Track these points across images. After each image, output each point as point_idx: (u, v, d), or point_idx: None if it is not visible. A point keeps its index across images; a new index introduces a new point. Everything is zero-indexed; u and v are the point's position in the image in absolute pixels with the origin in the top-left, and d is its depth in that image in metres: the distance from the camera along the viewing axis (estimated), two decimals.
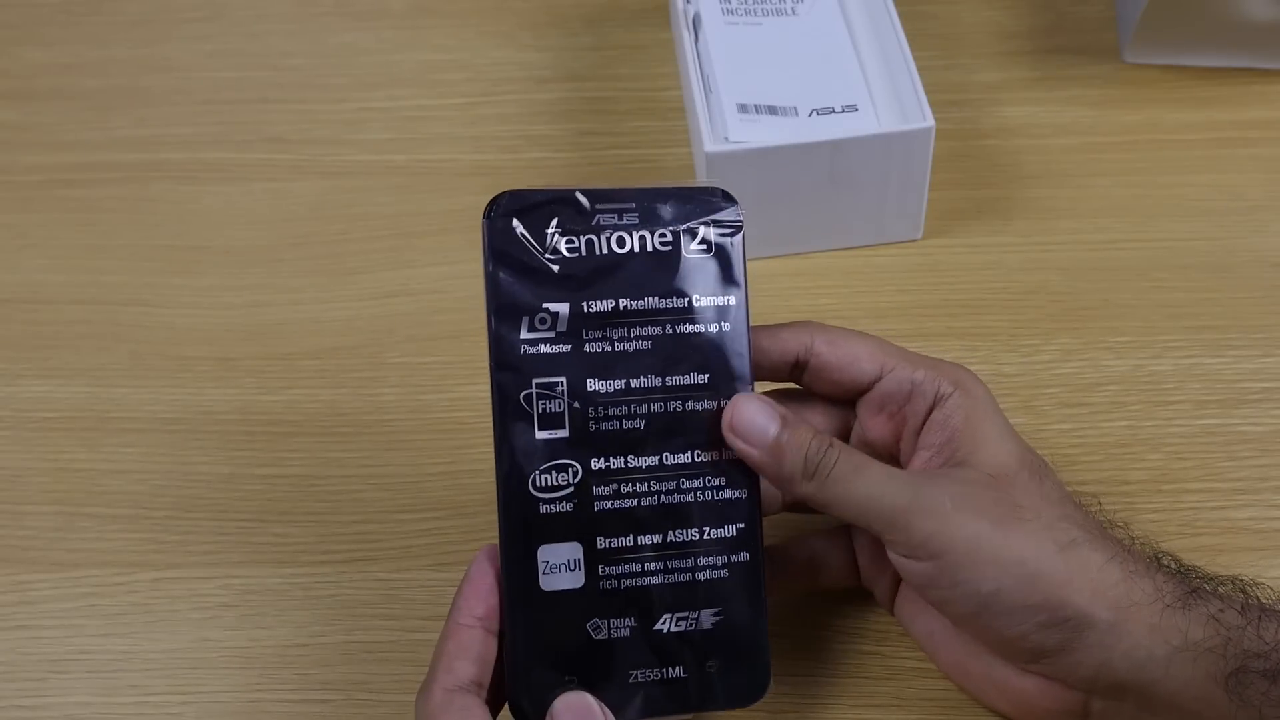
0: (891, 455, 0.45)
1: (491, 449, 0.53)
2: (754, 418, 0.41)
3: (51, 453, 0.55)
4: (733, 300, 0.42)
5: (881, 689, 0.46)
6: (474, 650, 0.39)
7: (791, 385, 0.45)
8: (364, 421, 0.55)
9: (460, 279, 0.59)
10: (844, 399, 0.45)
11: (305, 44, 0.70)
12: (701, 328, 0.42)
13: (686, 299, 0.42)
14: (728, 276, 0.42)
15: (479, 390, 0.55)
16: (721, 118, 0.56)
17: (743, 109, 0.57)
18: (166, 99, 0.68)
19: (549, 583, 0.40)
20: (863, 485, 0.40)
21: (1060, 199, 0.60)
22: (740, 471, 0.42)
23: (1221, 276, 0.57)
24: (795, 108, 0.57)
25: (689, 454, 0.41)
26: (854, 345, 0.44)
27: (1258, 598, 0.40)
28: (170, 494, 0.53)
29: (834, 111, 0.57)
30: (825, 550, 0.46)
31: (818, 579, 0.46)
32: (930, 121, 0.55)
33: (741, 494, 0.41)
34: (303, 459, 0.54)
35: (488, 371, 0.41)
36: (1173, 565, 0.41)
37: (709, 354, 0.42)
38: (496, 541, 0.41)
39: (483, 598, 0.40)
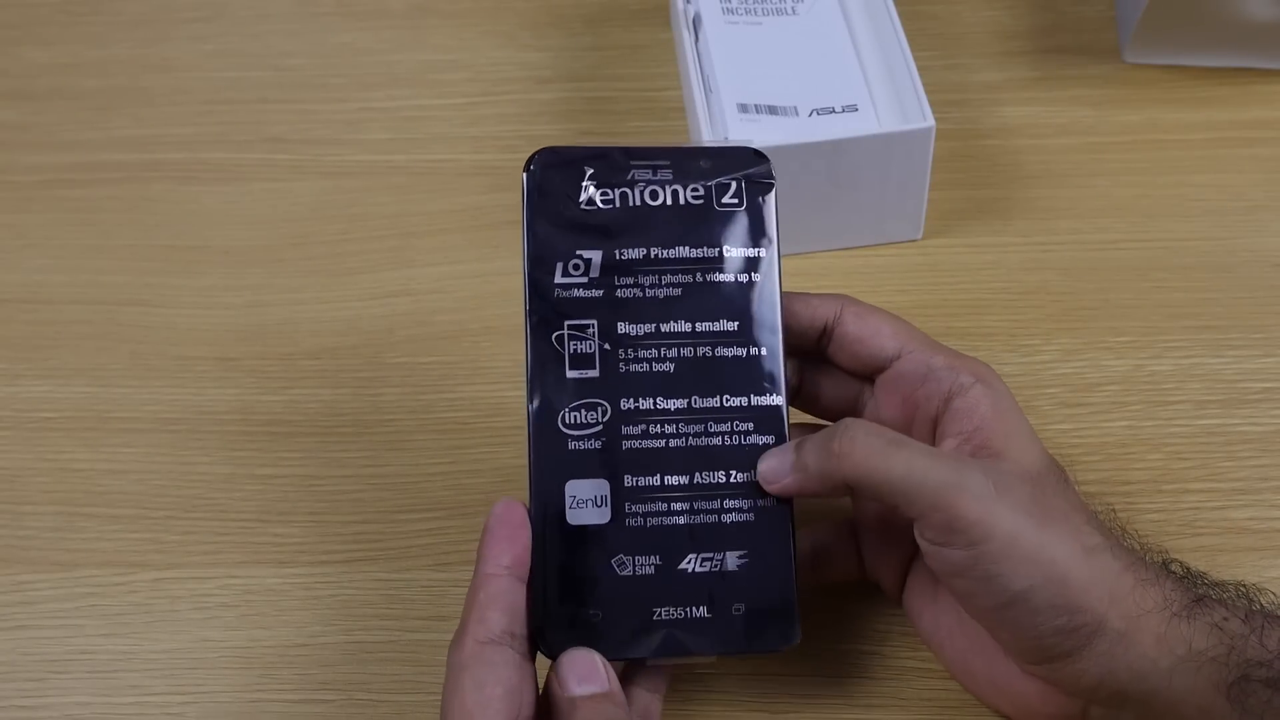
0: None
1: (491, 447, 0.54)
2: (771, 461, 0.42)
3: (52, 453, 0.55)
4: (763, 253, 0.43)
5: (882, 689, 0.46)
6: (505, 599, 0.39)
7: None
8: (364, 421, 0.55)
9: (460, 279, 0.59)
10: (863, 374, 0.45)
11: (305, 44, 0.70)
12: (731, 277, 0.43)
13: (717, 249, 0.43)
14: (758, 230, 0.43)
15: (479, 390, 0.56)
16: (721, 118, 0.56)
17: (743, 109, 0.57)
18: (166, 99, 0.68)
19: (575, 517, 0.41)
20: (901, 460, 0.40)
21: (1060, 199, 0.60)
22: (769, 418, 0.42)
23: (1222, 276, 0.57)
24: (795, 108, 0.57)
25: (718, 398, 0.42)
26: (879, 321, 0.45)
27: (1261, 604, 0.40)
28: (170, 494, 0.53)
29: (834, 111, 0.57)
30: (829, 543, 0.46)
31: (823, 573, 0.46)
32: (930, 121, 0.55)
33: (770, 440, 0.42)
34: (303, 459, 0.54)
35: (522, 317, 0.42)
36: (1180, 571, 0.41)
37: (739, 303, 0.43)
38: (507, 498, 0.41)
39: (507, 546, 0.40)
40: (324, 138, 0.65)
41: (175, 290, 0.60)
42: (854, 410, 0.46)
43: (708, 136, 0.56)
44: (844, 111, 0.57)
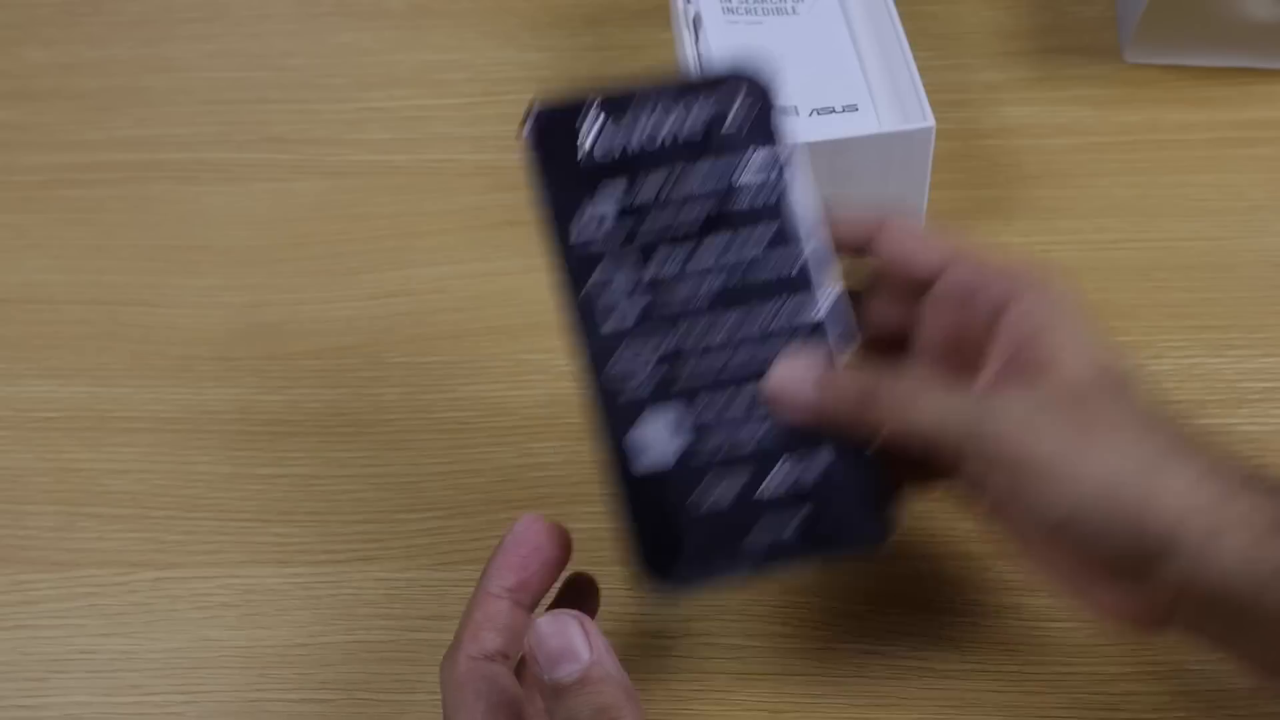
0: (957, 360, 0.42)
1: (491, 447, 0.54)
2: (787, 380, 0.41)
3: (52, 452, 0.55)
4: (784, 166, 0.42)
5: (884, 689, 0.46)
6: (501, 621, 0.39)
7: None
8: (364, 421, 0.55)
9: (461, 279, 0.59)
10: (910, 294, 0.43)
11: (305, 44, 0.70)
12: (749, 202, 0.42)
13: (731, 175, 0.42)
14: (770, 146, 0.42)
15: (479, 390, 0.56)
16: None
17: None
18: (167, 99, 0.68)
19: (643, 465, 0.41)
20: (928, 409, 0.39)
21: (1060, 199, 0.60)
22: (814, 333, 0.42)
23: (1222, 276, 0.57)
24: (795, 108, 0.57)
25: (758, 323, 0.41)
26: (925, 234, 0.43)
27: None
28: (171, 494, 0.53)
29: (834, 111, 0.57)
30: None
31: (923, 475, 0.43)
32: (930, 121, 0.55)
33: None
34: (303, 459, 0.54)
35: (550, 279, 0.41)
36: (1272, 482, 0.38)
37: (767, 221, 0.42)
38: (532, 515, 0.41)
39: (514, 569, 0.40)
40: (324, 138, 0.65)
41: (176, 290, 0.60)
42: (903, 337, 0.43)
43: None
44: (844, 111, 0.57)
